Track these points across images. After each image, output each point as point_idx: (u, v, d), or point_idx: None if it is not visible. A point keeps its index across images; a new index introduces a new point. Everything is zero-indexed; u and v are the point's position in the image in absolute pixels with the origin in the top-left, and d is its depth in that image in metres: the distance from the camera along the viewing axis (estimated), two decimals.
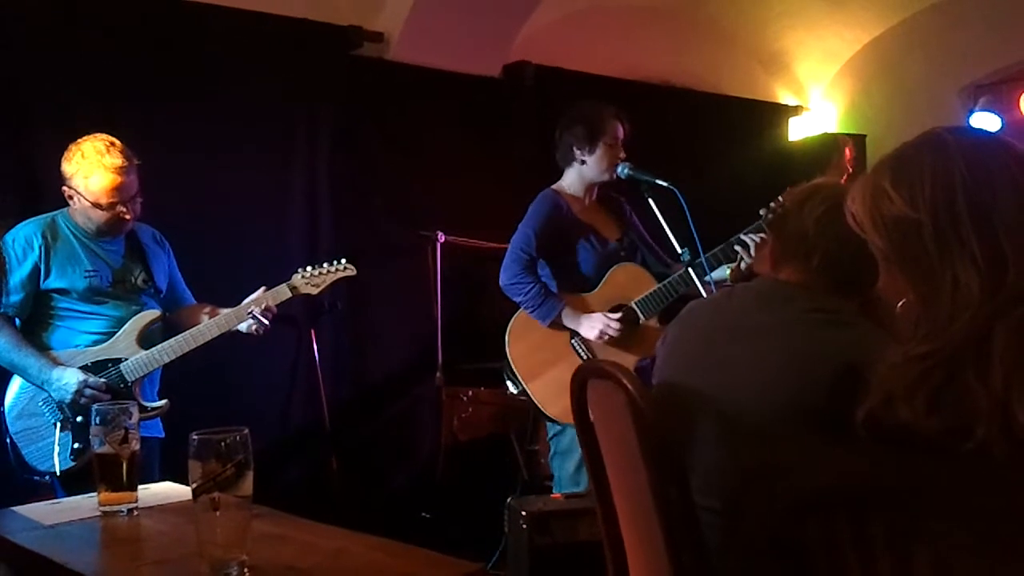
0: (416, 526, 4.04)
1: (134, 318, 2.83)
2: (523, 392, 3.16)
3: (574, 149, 3.25)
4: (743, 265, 3.09)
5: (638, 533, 1.61)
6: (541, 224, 3.20)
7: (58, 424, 2.72)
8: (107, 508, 1.80)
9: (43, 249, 2.75)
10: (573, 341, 3.19)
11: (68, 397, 2.68)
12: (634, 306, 3.20)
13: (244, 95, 3.94)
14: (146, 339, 2.83)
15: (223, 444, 1.38)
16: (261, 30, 3.99)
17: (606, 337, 3.12)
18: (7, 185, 3.39)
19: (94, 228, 2.80)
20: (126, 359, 2.78)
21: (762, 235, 2.99)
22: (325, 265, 2.98)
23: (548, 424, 3.25)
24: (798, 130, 6.19)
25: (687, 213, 2.97)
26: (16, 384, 2.76)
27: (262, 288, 2.91)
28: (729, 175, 5.13)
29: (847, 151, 4.49)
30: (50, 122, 3.40)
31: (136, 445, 1.81)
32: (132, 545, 1.68)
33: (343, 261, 3.01)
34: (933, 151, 1.17)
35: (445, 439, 4.21)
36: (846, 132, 5.92)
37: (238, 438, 1.40)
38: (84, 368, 2.72)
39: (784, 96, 6.30)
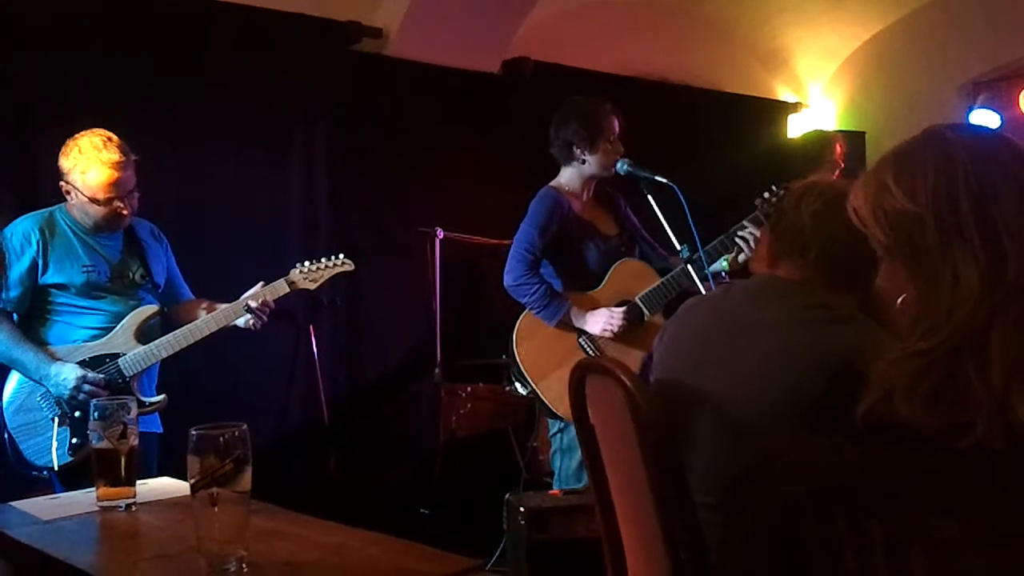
0: (415, 522, 4.04)
1: (132, 313, 2.82)
2: (532, 392, 3.15)
3: (574, 147, 3.23)
4: (740, 258, 3.09)
5: (636, 530, 1.61)
6: (544, 223, 3.18)
7: (56, 419, 2.71)
8: (105, 503, 1.81)
9: (41, 244, 2.74)
10: (581, 340, 3.18)
11: (66, 392, 2.68)
12: (639, 302, 3.20)
13: (242, 90, 3.93)
14: (144, 334, 2.82)
15: (222, 440, 1.38)
16: (259, 25, 3.98)
17: (611, 330, 3.12)
18: (5, 181, 3.38)
19: (92, 223, 2.79)
20: (124, 354, 2.78)
21: (760, 227, 2.99)
22: (323, 260, 2.98)
23: (550, 421, 3.25)
24: (797, 127, 6.18)
25: (686, 209, 2.96)
26: (14, 379, 2.76)
27: (260, 283, 2.90)
28: (728, 172, 5.12)
29: (838, 147, 4.51)
30: (47, 115, 3.39)
31: (134, 440, 1.81)
32: (130, 540, 1.68)
33: (341, 256, 3.00)
34: (936, 147, 1.17)
35: (444, 435, 4.21)
36: (845, 129, 5.92)
37: (237, 433, 1.40)
38: (82, 363, 2.72)
39: (783, 93, 6.30)
